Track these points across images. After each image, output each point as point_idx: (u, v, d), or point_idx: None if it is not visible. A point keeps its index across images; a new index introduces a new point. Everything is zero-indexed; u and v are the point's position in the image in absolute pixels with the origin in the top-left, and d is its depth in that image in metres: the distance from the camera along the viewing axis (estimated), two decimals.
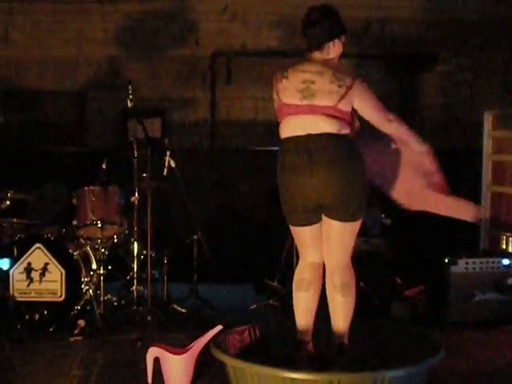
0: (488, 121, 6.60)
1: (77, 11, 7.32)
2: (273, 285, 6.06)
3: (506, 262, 5.44)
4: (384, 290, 5.69)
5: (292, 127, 3.79)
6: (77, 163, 7.06)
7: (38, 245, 5.30)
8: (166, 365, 3.97)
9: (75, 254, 5.37)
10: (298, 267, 4.03)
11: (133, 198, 5.56)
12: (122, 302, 5.66)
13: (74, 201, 5.54)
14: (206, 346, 3.93)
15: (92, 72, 7.38)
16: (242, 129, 7.42)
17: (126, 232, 5.71)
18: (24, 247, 5.30)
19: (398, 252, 5.95)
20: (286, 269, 5.92)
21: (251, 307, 5.84)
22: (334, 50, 3.86)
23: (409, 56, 7.49)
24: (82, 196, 5.50)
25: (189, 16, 7.39)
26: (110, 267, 5.75)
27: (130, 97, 5.43)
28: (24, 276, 5.27)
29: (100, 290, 5.45)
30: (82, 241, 5.63)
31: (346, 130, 3.76)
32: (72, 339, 4.96)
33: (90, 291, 5.34)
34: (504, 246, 5.93)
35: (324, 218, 3.84)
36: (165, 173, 5.76)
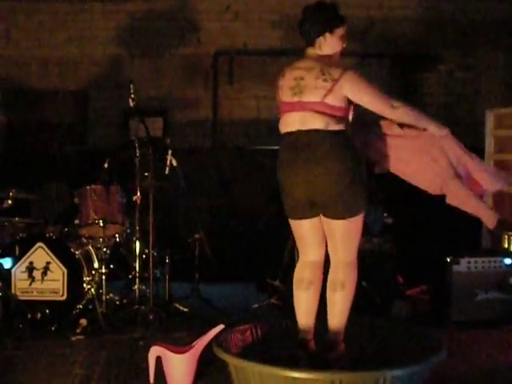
0: (490, 120, 6.60)
1: (79, 11, 7.34)
2: (274, 284, 6.06)
3: (508, 261, 5.43)
4: (386, 289, 5.69)
5: (285, 124, 3.84)
6: (79, 162, 7.07)
7: (39, 244, 5.31)
8: (168, 364, 3.97)
9: (77, 253, 5.38)
10: (297, 266, 4.02)
11: (135, 197, 5.57)
12: (124, 301, 5.66)
13: (76, 200, 5.55)
14: (208, 345, 3.92)
15: (94, 71, 7.38)
16: (244, 128, 7.42)
17: (128, 231, 5.71)
18: (26, 246, 5.31)
19: (400, 251, 5.95)
20: (288, 268, 5.91)
21: (253, 306, 5.83)
22: (327, 44, 3.81)
23: (411, 55, 7.48)
24: (84, 195, 5.50)
25: (191, 15, 7.40)
26: (111, 266, 5.76)
27: (132, 96, 5.43)
28: (26, 275, 5.28)
29: (102, 289, 5.44)
30: (84, 240, 5.63)
31: (336, 126, 3.71)
32: (74, 338, 4.97)
33: (92, 290, 5.34)
34: (506, 246, 5.92)
35: (321, 216, 3.85)
36: (167, 172, 5.77)
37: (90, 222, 5.46)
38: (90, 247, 5.63)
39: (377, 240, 5.83)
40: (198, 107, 7.42)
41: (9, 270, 5.28)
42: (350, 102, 3.79)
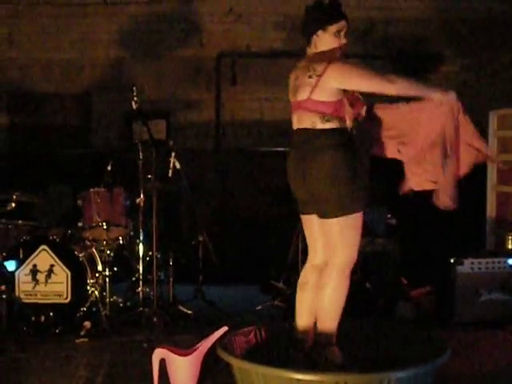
0: (493, 121, 6.60)
1: (82, 13, 7.35)
2: (278, 286, 6.06)
3: (511, 262, 5.43)
4: (390, 290, 5.69)
5: (292, 123, 3.93)
6: (82, 165, 7.07)
7: (43, 247, 5.31)
8: (172, 366, 3.97)
9: (81, 255, 5.38)
10: (303, 269, 4.03)
11: (138, 200, 5.57)
12: (128, 303, 5.67)
13: (80, 203, 5.55)
14: (212, 348, 3.92)
15: (97, 74, 7.39)
16: (247, 130, 7.42)
17: (132, 234, 5.71)
18: (30, 249, 5.31)
19: (404, 252, 5.94)
20: (292, 270, 5.92)
21: (257, 308, 5.83)
22: (321, 42, 3.80)
23: (414, 56, 7.48)
24: (88, 198, 5.50)
25: (193, 17, 7.40)
26: (115, 269, 5.76)
27: (135, 98, 5.43)
28: (30, 278, 5.28)
29: (106, 291, 5.45)
30: (88, 242, 5.63)
31: (323, 125, 3.72)
32: (78, 341, 4.96)
33: (96, 293, 5.34)
34: (510, 246, 5.91)
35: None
36: (170, 174, 5.77)
37: (94, 224, 5.46)
38: (94, 250, 5.64)
39: (380, 241, 5.82)
40: (201, 109, 7.42)
41: (13, 273, 5.28)
42: (344, 93, 3.73)
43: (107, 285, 5.46)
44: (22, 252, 5.30)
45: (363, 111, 3.85)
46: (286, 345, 3.98)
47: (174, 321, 5.39)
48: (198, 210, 6.06)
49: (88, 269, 5.37)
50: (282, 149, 6.78)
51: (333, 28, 3.79)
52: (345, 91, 3.75)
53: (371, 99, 3.92)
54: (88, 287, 5.35)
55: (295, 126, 3.86)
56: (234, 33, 7.42)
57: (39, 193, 5.95)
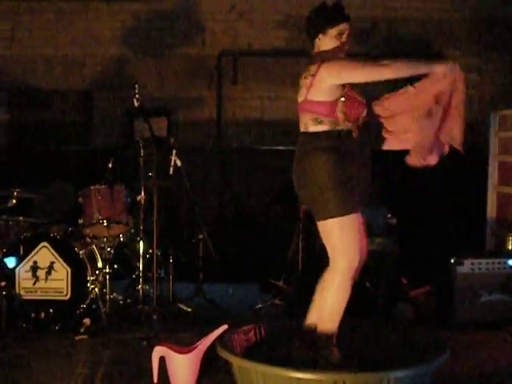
0: (494, 121, 6.60)
1: (83, 10, 7.34)
2: (278, 284, 6.06)
3: (511, 262, 5.43)
4: (389, 290, 5.68)
5: None
6: (83, 162, 7.08)
7: (44, 243, 5.31)
8: (172, 364, 3.98)
9: (81, 252, 5.38)
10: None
11: (139, 197, 5.58)
12: (128, 300, 5.67)
13: (80, 200, 5.56)
14: (212, 346, 3.93)
15: (98, 71, 7.39)
16: (248, 128, 7.41)
17: (132, 231, 5.72)
18: (30, 246, 5.31)
19: (404, 252, 5.94)
20: (292, 268, 5.92)
21: (257, 307, 5.84)
22: (323, 43, 3.83)
23: (416, 56, 7.47)
24: (88, 195, 5.51)
25: (195, 16, 7.40)
26: (115, 266, 5.77)
27: (137, 96, 5.43)
28: (30, 274, 5.29)
29: (106, 288, 5.46)
30: (88, 240, 5.64)
31: (314, 128, 3.75)
32: (77, 338, 4.97)
33: (96, 290, 5.35)
34: (510, 247, 5.91)
35: None
36: (171, 172, 5.78)
37: (94, 221, 5.47)
38: (94, 247, 5.64)
39: (380, 241, 5.82)
40: (203, 107, 7.42)
41: (13, 270, 5.29)
42: (343, 92, 3.72)
43: (107, 282, 5.47)
44: (23, 248, 5.30)
45: (364, 112, 3.84)
46: (286, 343, 3.98)
47: (174, 318, 5.40)
48: (199, 208, 6.06)
49: (88, 266, 5.37)
50: (282, 148, 6.82)
51: (333, 31, 3.81)
52: (344, 90, 3.72)
53: (376, 93, 3.92)
54: (88, 284, 5.34)
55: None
56: (235, 31, 7.41)
57: (40, 189, 5.96)
